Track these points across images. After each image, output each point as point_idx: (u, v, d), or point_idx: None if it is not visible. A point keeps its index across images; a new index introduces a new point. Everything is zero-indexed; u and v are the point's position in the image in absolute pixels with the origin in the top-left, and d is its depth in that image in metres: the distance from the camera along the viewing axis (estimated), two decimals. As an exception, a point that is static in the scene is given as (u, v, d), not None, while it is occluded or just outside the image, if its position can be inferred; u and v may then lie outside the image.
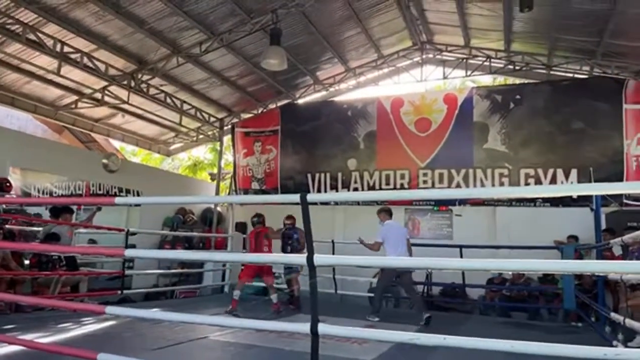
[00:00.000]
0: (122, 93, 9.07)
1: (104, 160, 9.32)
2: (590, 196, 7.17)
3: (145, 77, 8.93)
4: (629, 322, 3.98)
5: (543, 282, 7.84)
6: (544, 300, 7.72)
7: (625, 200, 7.96)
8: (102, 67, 8.32)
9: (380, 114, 9.95)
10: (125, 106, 9.64)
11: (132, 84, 8.85)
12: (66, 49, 7.64)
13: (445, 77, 10.23)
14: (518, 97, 8.98)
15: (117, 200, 3.04)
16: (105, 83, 8.84)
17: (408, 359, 4.00)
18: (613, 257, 6.23)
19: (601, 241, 6.12)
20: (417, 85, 10.31)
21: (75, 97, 9.28)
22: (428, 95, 9.86)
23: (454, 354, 3.95)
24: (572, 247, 6.84)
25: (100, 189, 9.51)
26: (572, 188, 3.54)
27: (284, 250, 7.14)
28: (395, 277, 6.50)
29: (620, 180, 7.81)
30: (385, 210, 6.56)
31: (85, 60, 7.97)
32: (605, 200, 7.33)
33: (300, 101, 11.10)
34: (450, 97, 9.56)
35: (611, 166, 8.06)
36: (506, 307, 7.83)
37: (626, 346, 4.14)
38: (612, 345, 4.33)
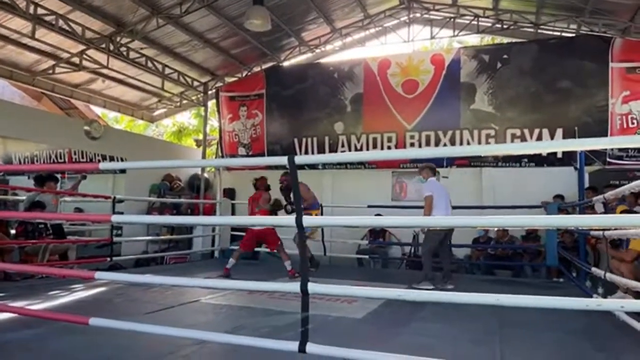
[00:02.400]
0: (101, 57, 8.78)
1: (86, 127, 9.11)
2: (575, 156, 7.27)
3: (124, 40, 8.63)
4: (610, 276, 4.11)
5: (527, 240, 8.05)
6: (527, 257, 7.94)
7: (608, 159, 8.09)
8: (78, 29, 8.00)
9: (367, 75, 9.82)
10: (105, 71, 9.34)
11: (111, 47, 8.55)
12: (40, 10, 7.31)
13: (432, 37, 10.07)
14: (505, 56, 8.90)
15: (102, 165, 2.99)
16: (83, 47, 8.52)
17: (397, 315, 4.12)
18: (595, 214, 6.37)
19: (584, 199, 6.25)
20: (404, 46, 10.15)
21: (52, 62, 8.95)
22: (415, 56, 9.72)
23: (441, 309, 4.10)
24: (555, 206, 6.98)
25: (83, 157, 9.36)
26: (556, 144, 3.59)
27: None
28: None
29: (605, 139, 7.89)
30: (429, 167, 6.08)
31: (61, 22, 7.64)
32: (588, 159, 7.45)
33: (286, 64, 10.88)
34: (438, 57, 9.44)
35: (596, 125, 8.13)
36: (490, 265, 8.05)
37: (606, 297, 4.29)
38: (592, 298, 4.49)
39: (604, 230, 4.11)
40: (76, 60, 8.82)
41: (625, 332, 3.46)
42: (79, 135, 8.95)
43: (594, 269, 4.79)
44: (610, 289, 4.69)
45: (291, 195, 6.36)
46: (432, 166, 6.15)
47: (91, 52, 8.70)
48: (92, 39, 8.33)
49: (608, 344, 3.34)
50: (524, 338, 3.46)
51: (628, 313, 3.54)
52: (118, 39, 8.50)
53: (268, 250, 6.84)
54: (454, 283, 5.72)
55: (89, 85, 10.34)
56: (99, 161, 9.36)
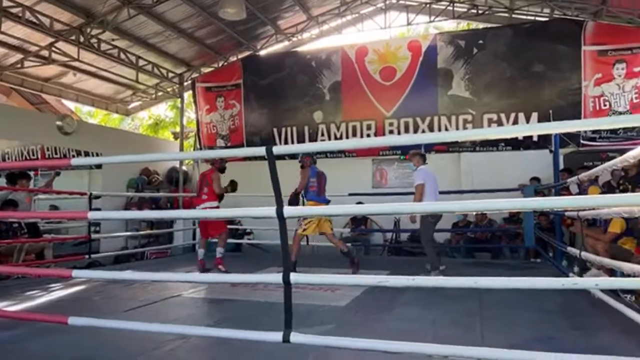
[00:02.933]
0: (72, 50, 8.52)
1: (58, 122, 8.87)
2: (550, 138, 7.41)
3: (95, 32, 8.39)
4: (584, 255, 4.22)
5: (509, 222, 8.19)
6: (506, 240, 8.10)
7: (581, 141, 8.27)
8: (46, 21, 7.76)
9: (345, 63, 9.78)
10: (76, 64, 9.08)
11: (81, 39, 8.31)
12: (6, 2, 7.05)
13: (409, 24, 10.07)
14: (481, 42, 8.97)
15: (74, 161, 2.91)
16: (52, 39, 8.26)
17: (380, 301, 4.16)
18: (570, 195, 6.52)
19: (559, 181, 6.39)
20: (381, 33, 10.12)
21: (20, 56, 8.66)
22: (392, 43, 9.71)
23: (423, 293, 4.15)
24: (532, 188, 7.12)
25: (56, 153, 9.12)
26: (532, 128, 3.65)
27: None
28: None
29: (578, 121, 8.06)
30: (420, 154, 6.15)
31: (28, 14, 7.39)
32: (563, 142, 7.60)
33: (263, 53, 10.75)
34: (415, 44, 9.45)
35: (569, 108, 8.28)
36: (470, 249, 8.19)
37: (581, 277, 4.40)
38: (568, 277, 4.61)
39: (578, 211, 4.20)
40: (45, 53, 8.55)
41: (601, 309, 3.56)
42: (52, 131, 8.72)
43: (569, 249, 4.91)
44: (585, 267, 4.82)
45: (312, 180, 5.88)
46: (423, 153, 6.26)
47: (61, 45, 8.44)
48: (61, 30, 8.08)
49: (584, 320, 3.44)
50: (503, 318, 3.54)
51: (603, 290, 3.64)
52: (88, 30, 8.26)
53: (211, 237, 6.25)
54: (443, 263, 5.87)
55: (59, 79, 10.06)
56: (74, 157, 9.13)
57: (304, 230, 5.82)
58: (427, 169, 6.00)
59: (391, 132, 9.42)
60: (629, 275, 2.85)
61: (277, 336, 2.22)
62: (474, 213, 8.22)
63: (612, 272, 4.29)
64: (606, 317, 3.39)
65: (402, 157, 9.52)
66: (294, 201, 5.91)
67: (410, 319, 3.59)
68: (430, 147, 8.93)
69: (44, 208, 8.60)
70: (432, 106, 9.17)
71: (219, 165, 6.28)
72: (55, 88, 10.30)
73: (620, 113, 8.08)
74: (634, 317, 2.83)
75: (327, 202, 6.03)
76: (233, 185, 6.48)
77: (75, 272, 2.84)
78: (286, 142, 10.07)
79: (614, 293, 3.70)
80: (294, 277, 2.26)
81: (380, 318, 3.65)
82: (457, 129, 9.00)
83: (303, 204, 6.02)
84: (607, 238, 4.92)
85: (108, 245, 8.53)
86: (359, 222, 9.19)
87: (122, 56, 9.35)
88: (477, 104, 8.93)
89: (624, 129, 7.99)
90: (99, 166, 9.62)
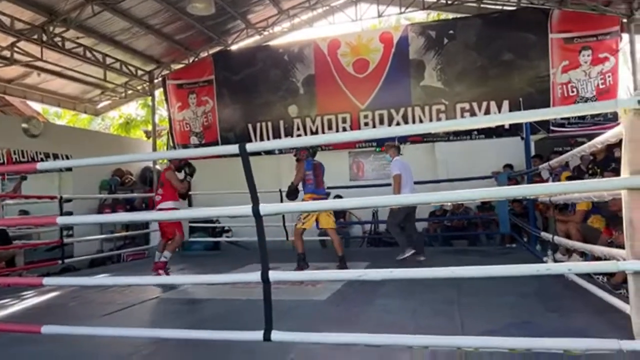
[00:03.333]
0: (34, 49, 8.23)
1: (24, 125, 8.57)
2: (521, 126, 7.55)
3: (58, 30, 8.12)
4: (557, 239, 4.33)
5: (482, 210, 8.34)
6: (482, 227, 8.25)
7: (551, 128, 8.46)
8: (7, 21, 7.47)
9: (318, 56, 9.75)
10: (40, 64, 8.79)
11: (44, 38, 8.03)
12: (-41, 1, 6.76)
13: (380, 15, 10.08)
14: (451, 32, 9.07)
15: (39, 165, 2.80)
16: (13, 39, 7.96)
17: (360, 294, 4.17)
18: (542, 181, 6.67)
19: (531, 167, 6.52)
20: (353, 25, 10.12)
21: (-21, 57, 8.34)
22: (364, 35, 9.72)
23: (402, 284, 4.19)
24: (505, 175, 7.26)
25: (24, 157, 8.82)
26: (504, 117, 3.72)
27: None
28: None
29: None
30: (395, 146, 6.22)
31: (-15, 13, 7.11)
32: (534, 129, 7.76)
33: (234, 48, 10.61)
34: (386, 35, 9.48)
35: (539, 95, 8.47)
36: (448, 237, 8.31)
37: (555, 260, 4.52)
38: (542, 260, 4.73)
39: (550, 196, 4.30)
40: (7, 53, 8.23)
41: (574, 291, 3.66)
42: (17, 134, 8.42)
43: (543, 234, 5.02)
44: (557, 250, 4.95)
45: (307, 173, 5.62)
46: (398, 145, 6.32)
47: (23, 44, 8.14)
48: (22, 30, 7.80)
49: (559, 303, 3.52)
50: (481, 304, 3.59)
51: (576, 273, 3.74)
52: (51, 28, 7.99)
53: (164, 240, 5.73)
54: (425, 255, 5.91)
55: (23, 80, 9.72)
56: (42, 160, 8.86)
57: (303, 224, 5.58)
58: (403, 160, 6.09)
59: (366, 124, 9.46)
60: (599, 258, 2.93)
61: (258, 335, 2.20)
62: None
63: (583, 254, 4.42)
64: (580, 299, 3.48)
65: (377, 149, 9.56)
66: (292, 194, 5.73)
67: (391, 310, 3.62)
68: (405, 138, 9.00)
69: (13, 213, 8.32)
70: (405, 97, 9.24)
71: (177, 164, 5.77)
72: (19, 89, 9.95)
73: (587, 99, 8.30)
74: (606, 298, 2.91)
75: (327, 194, 5.87)
76: (190, 168, 5.81)
77: (45, 280, 2.75)
78: (261, 138, 9.99)
79: (587, 275, 3.81)
80: (272, 275, 2.24)
81: (361, 310, 3.67)
82: (431, 119, 9.10)
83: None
84: (578, 218, 5.07)
85: (83, 249, 8.32)
86: (337, 215, 9.18)
87: (88, 54, 9.08)
88: (450, 94, 9.03)
89: (591, 115, 8.22)
90: (69, 168, 9.36)
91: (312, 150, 5.79)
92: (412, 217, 6.26)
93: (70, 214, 7.39)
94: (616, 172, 3.57)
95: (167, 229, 5.55)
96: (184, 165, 5.82)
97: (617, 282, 3.93)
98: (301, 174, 5.66)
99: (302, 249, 5.53)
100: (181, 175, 5.76)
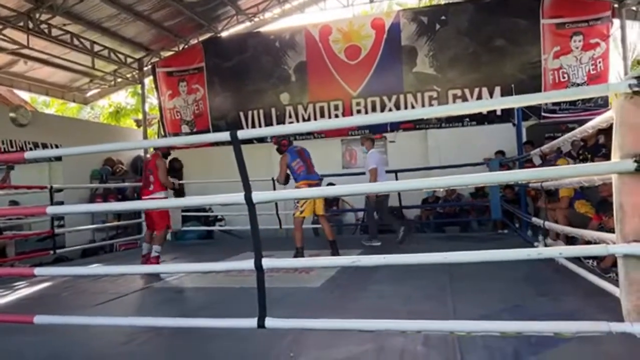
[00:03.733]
0: (20, 36, 8.07)
1: (11, 114, 8.44)
2: (512, 112, 7.57)
3: (44, 17, 7.98)
4: (548, 224, 4.37)
5: (475, 197, 8.38)
6: (474, 213, 8.30)
7: (543, 114, 8.49)
8: (-10, 7, 7.31)
9: (309, 43, 9.66)
10: (26, 51, 8.63)
11: (30, 25, 7.88)
12: (-59, -13, 6.59)
13: (372, 1, 10.00)
14: (443, 18, 9.01)
15: (27, 154, 2.75)
16: (-2, 26, 7.81)
17: (353, 280, 4.20)
18: (533, 167, 6.71)
19: (523, 153, 6.56)
20: (344, 11, 10.04)
21: (-36, 45, 8.17)
22: (356, 21, 9.63)
23: (395, 270, 4.22)
24: (497, 162, 7.29)
25: (12, 147, 8.70)
26: (495, 102, 3.72)
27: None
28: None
29: (539, 94, 8.25)
30: (370, 138, 6.49)
31: (-32, -1, 6.94)
32: (525, 115, 7.78)
33: (224, 34, 10.48)
34: (378, 21, 9.40)
35: (530, 81, 8.47)
36: (440, 223, 8.36)
37: (546, 245, 4.56)
38: (534, 246, 4.77)
39: (542, 182, 4.32)
40: (-8, 41, 8.08)
41: (564, 275, 3.71)
42: (5, 123, 8.30)
43: (534, 219, 5.07)
44: (548, 236, 5.00)
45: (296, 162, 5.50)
46: (372, 137, 6.52)
47: (8, 32, 7.97)
48: (7, 17, 7.64)
49: (549, 287, 3.57)
50: (473, 289, 3.63)
51: (566, 257, 3.79)
52: (37, 15, 7.83)
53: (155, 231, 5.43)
54: (381, 241, 6.31)
55: (10, 68, 9.56)
56: (31, 149, 8.73)
57: (301, 212, 5.46)
58: (377, 152, 6.37)
59: (359, 111, 9.43)
60: (589, 242, 2.97)
61: (252, 322, 2.20)
62: (443, 190, 8.37)
63: (571, 240, 4.47)
64: (570, 283, 3.53)
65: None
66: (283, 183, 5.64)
67: (384, 296, 3.65)
68: (398, 125, 9.00)
69: (3, 204, 8.23)
70: (397, 84, 9.20)
71: (164, 150, 5.56)
72: (6, 78, 9.79)
73: (579, 85, 8.32)
74: (596, 282, 2.95)
75: (320, 179, 5.76)
76: (178, 165, 5.61)
77: (37, 270, 2.73)
78: (253, 126, 9.93)
79: (577, 260, 3.86)
80: (265, 262, 2.23)
81: (355, 297, 3.69)
82: (423, 106, 9.08)
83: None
84: (563, 204, 5.13)
85: (75, 239, 8.27)
86: (330, 202, 9.20)
87: (76, 42, 8.93)
88: (442, 80, 9.01)
89: (582, 100, 8.25)
90: (59, 158, 9.25)
91: (290, 139, 5.71)
92: (386, 204, 6.60)
93: (61, 204, 7.32)
94: (606, 158, 3.60)
95: (160, 220, 5.33)
96: (169, 152, 5.68)
97: (606, 266, 3.98)
98: (284, 169, 5.53)
99: (302, 242, 5.43)
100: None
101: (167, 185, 5.36)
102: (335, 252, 5.42)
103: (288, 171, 5.59)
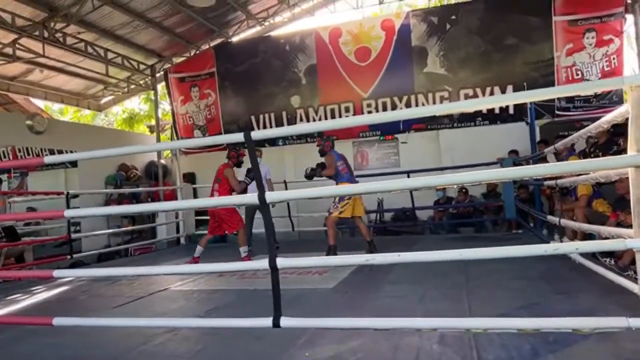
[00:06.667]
0: (36, 45, 8.24)
1: (28, 122, 8.60)
2: (525, 111, 7.50)
3: (59, 26, 8.13)
4: (564, 222, 4.31)
5: (488, 198, 8.30)
6: (488, 214, 8.22)
7: (556, 112, 8.40)
8: (8, 18, 7.48)
9: (319, 46, 9.70)
10: (42, 60, 8.81)
11: (46, 34, 8.04)
12: (-40, -1, 6.76)
13: (381, 2, 10.01)
14: (454, 17, 8.98)
15: (47, 159, 2.81)
16: (15, 36, 7.97)
17: (367, 281, 4.19)
18: (547, 165, 6.64)
19: (537, 152, 6.49)
20: (354, 13, 10.04)
21: (-19, 55, 8.36)
22: (365, 23, 9.65)
23: (410, 270, 4.20)
24: (510, 160, 7.22)
25: (29, 154, 8.88)
26: (508, 97, 3.69)
27: None
28: None
29: (552, 92, 8.17)
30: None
31: (-14, 11, 7.11)
32: (538, 113, 7.71)
33: (235, 39, 10.57)
34: (388, 23, 9.41)
35: (543, 79, 8.39)
36: (454, 224, 8.30)
37: (562, 242, 4.51)
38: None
39: (557, 179, 4.28)
40: (9, 50, 8.27)
41: (581, 273, 3.66)
42: (22, 131, 8.46)
43: (549, 217, 5.01)
44: (564, 234, 4.94)
45: (339, 163, 5.63)
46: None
47: (24, 41, 8.15)
48: (24, 26, 7.81)
49: (566, 285, 3.52)
50: (489, 288, 3.60)
51: (582, 254, 3.74)
52: (52, 24, 8.00)
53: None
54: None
55: (26, 77, 9.75)
56: (46, 156, 8.89)
57: (340, 212, 5.44)
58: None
59: (369, 112, 9.43)
60: (606, 239, 2.92)
61: (267, 322, 2.21)
62: (455, 191, 8.33)
63: (589, 239, 4.41)
64: (587, 280, 3.48)
65: (381, 138, 9.55)
66: (311, 176, 5.69)
67: (399, 296, 3.63)
68: (410, 126, 8.97)
69: (21, 210, 8.39)
70: (408, 85, 9.19)
71: (235, 160, 5.57)
72: (23, 86, 9.99)
73: (592, 82, 8.22)
74: (613, 279, 2.90)
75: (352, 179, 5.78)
76: (251, 173, 5.59)
77: (56, 272, 2.77)
78: (264, 129, 9.98)
79: (593, 257, 3.80)
80: (280, 262, 2.25)
81: (369, 297, 3.68)
82: (435, 106, 9.03)
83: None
84: (582, 203, 5.07)
85: (90, 244, 8.38)
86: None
87: (90, 50, 9.09)
88: (453, 80, 8.97)
89: (596, 97, 8.14)
90: (74, 165, 9.40)
91: (333, 142, 5.87)
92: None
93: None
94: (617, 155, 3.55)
95: (231, 219, 5.45)
96: (242, 161, 5.64)
97: (624, 264, 3.93)
98: (334, 165, 5.59)
99: (335, 240, 5.44)
100: (239, 176, 5.53)
101: (238, 191, 5.30)
102: (373, 251, 5.43)
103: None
